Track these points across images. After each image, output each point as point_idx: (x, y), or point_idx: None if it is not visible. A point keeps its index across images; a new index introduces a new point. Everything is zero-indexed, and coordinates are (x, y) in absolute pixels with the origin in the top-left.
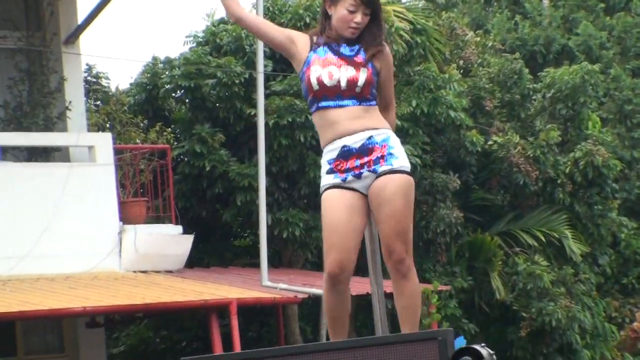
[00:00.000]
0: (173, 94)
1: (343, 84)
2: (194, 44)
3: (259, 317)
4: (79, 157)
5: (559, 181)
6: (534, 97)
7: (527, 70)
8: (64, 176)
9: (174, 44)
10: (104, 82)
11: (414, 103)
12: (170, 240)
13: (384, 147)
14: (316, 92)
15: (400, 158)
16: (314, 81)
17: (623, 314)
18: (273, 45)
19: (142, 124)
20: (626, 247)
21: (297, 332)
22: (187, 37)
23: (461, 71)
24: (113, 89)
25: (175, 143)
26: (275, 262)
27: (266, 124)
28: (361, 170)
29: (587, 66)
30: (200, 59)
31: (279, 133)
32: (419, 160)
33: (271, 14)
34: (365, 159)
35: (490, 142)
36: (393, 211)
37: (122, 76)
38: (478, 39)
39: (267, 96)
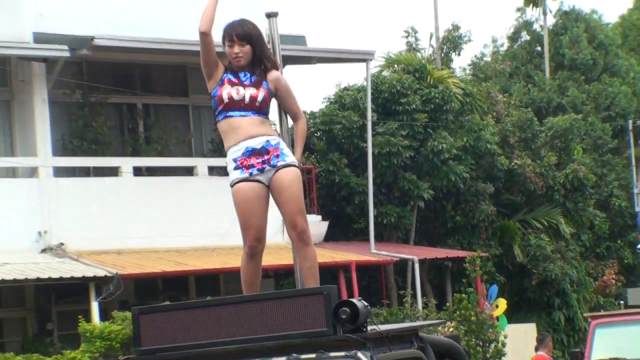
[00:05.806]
0: (315, 134)
1: (247, 99)
2: (328, 103)
3: (368, 272)
4: None
5: (556, 188)
6: (540, 136)
7: (535, 119)
8: None
9: (313, 102)
10: None
11: (464, 139)
12: (313, 225)
13: (277, 149)
14: (226, 104)
15: (290, 156)
16: (225, 96)
17: (597, 271)
18: (209, 62)
19: None
20: (598, 229)
21: (392, 282)
22: (323, 98)
23: (494, 119)
24: None
25: (317, 164)
26: (379, 238)
27: (373, 153)
28: (263, 166)
29: (573, 116)
30: (332, 112)
31: (381, 158)
32: (468, 175)
33: (375, 85)
34: (265, 157)
35: (512, 164)
36: (292, 194)
37: None
38: (505, 99)
39: (373, 135)
